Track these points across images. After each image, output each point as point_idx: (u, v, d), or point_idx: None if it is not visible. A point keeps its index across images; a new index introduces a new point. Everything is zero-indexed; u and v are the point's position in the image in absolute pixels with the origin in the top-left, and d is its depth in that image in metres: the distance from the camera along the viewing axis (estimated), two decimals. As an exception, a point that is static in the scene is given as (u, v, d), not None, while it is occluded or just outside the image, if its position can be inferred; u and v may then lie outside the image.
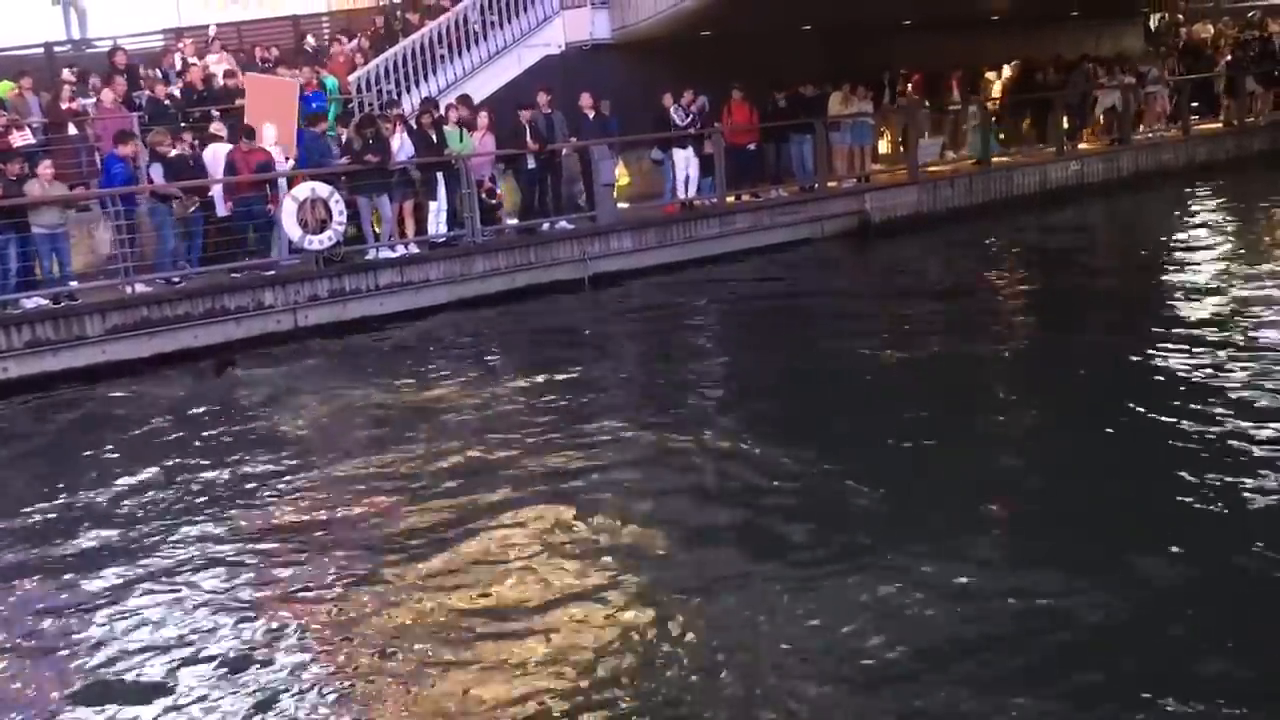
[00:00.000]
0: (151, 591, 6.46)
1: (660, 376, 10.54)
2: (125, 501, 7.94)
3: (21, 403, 10.85)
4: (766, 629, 5.50)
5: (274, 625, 5.96)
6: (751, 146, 17.00)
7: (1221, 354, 9.46)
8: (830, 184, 17.53)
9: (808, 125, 17.22)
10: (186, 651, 5.72)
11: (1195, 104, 23.20)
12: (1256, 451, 7.20)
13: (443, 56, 17.70)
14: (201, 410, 10.22)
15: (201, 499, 7.91)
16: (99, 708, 5.28)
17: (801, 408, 9.24)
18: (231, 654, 5.65)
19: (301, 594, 6.34)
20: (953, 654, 5.15)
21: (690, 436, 8.47)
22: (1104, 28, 25.84)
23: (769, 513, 6.95)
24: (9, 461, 9.27)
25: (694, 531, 6.75)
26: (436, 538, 6.92)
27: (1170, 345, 9.89)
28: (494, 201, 15.04)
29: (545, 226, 15.11)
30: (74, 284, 12.40)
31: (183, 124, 14.50)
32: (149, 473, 8.51)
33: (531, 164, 15.12)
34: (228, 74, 16.09)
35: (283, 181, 13.34)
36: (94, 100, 15.00)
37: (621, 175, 16.56)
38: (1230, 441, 7.43)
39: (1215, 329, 10.33)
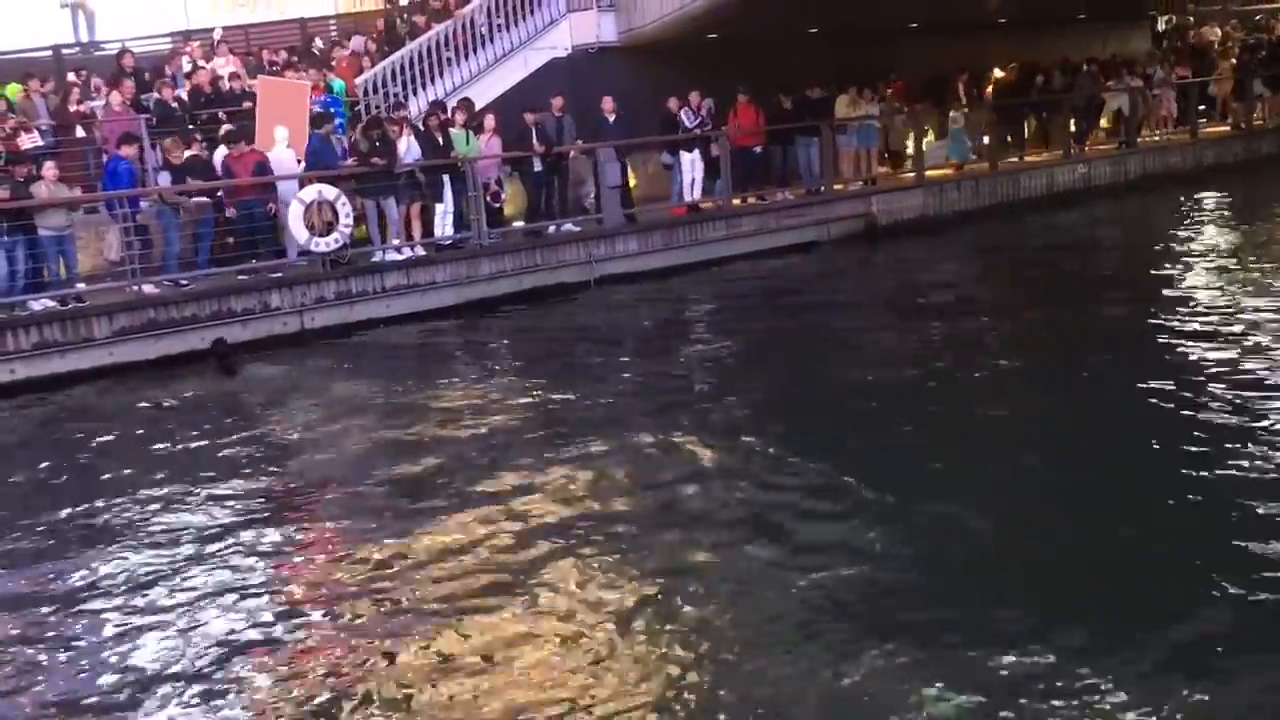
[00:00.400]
0: (152, 598, 6.45)
1: (666, 379, 10.52)
2: (125, 503, 7.93)
3: (29, 404, 10.86)
4: (768, 631, 5.48)
5: (273, 626, 5.95)
6: (758, 149, 17.00)
7: (1230, 358, 9.41)
8: (836, 186, 17.53)
9: (814, 128, 17.22)
10: (185, 652, 5.71)
11: (1203, 106, 23.16)
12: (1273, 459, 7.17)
13: (449, 59, 17.72)
14: (205, 411, 10.24)
15: (203, 500, 7.90)
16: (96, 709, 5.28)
17: (807, 411, 9.22)
18: (229, 656, 5.65)
19: (300, 595, 6.34)
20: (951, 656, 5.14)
21: (696, 438, 8.46)
22: (1111, 30, 25.78)
23: (773, 512, 6.95)
24: (19, 463, 9.28)
25: (696, 532, 6.74)
26: (438, 539, 6.91)
27: (1178, 349, 9.88)
28: (498, 205, 15.06)
29: (551, 229, 15.12)
30: (81, 286, 12.43)
31: (190, 127, 14.53)
32: (151, 476, 8.51)
33: (538, 166, 15.13)
34: (233, 76, 16.11)
35: (289, 184, 13.35)
36: (102, 103, 15.05)
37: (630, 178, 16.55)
38: (1240, 446, 7.39)
39: (1222, 333, 10.29)
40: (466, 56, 17.87)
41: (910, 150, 18.68)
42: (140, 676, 5.52)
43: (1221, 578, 5.67)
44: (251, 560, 6.85)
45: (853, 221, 17.09)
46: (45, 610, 6.34)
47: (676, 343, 12.03)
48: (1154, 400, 8.59)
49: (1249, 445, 7.37)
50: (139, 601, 6.35)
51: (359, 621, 5.94)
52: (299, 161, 13.80)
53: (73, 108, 15.08)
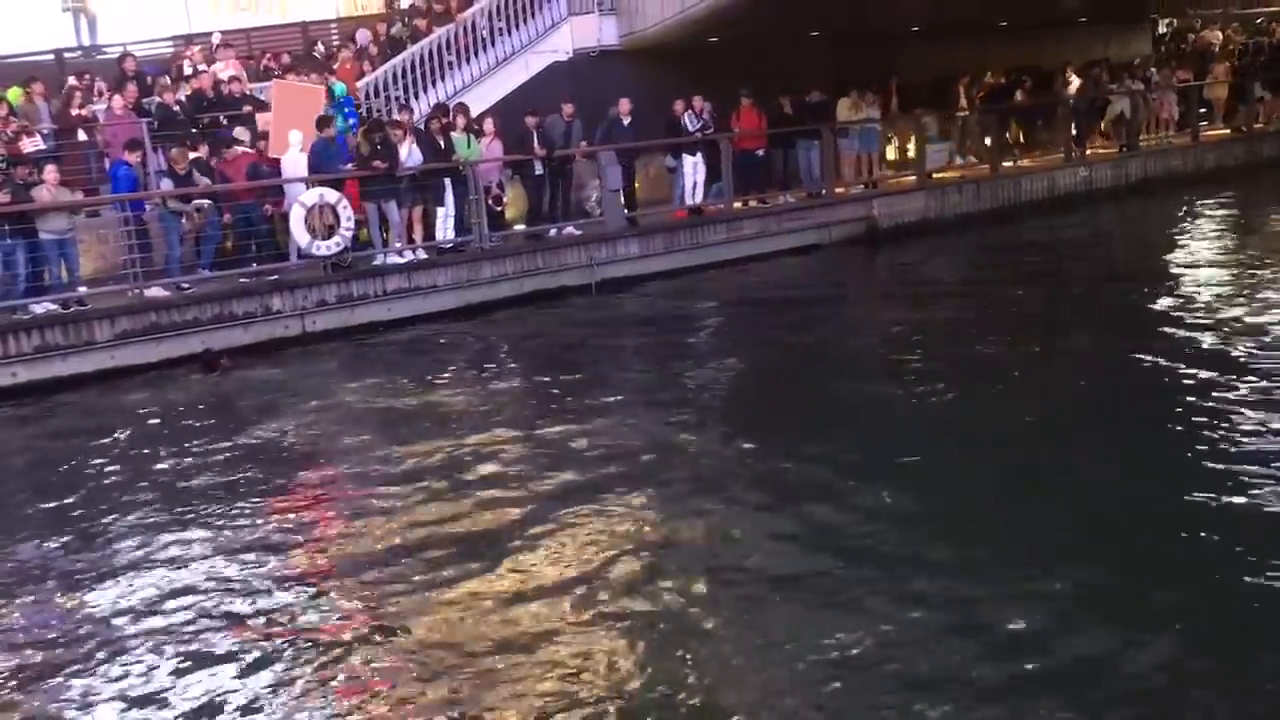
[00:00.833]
0: (150, 600, 6.44)
1: (666, 382, 10.53)
2: (123, 507, 7.94)
3: (30, 407, 10.87)
4: (768, 633, 5.48)
5: (271, 627, 5.95)
6: (760, 152, 17.00)
7: (1230, 362, 9.40)
8: (838, 190, 17.53)
9: (815, 131, 17.22)
10: (181, 653, 5.71)
11: (1203, 110, 23.16)
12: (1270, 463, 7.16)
13: (451, 63, 17.73)
14: (205, 415, 10.25)
15: (202, 501, 7.90)
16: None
17: (808, 414, 9.21)
18: (224, 659, 5.64)
19: (297, 596, 6.34)
20: (948, 660, 5.13)
21: (697, 442, 8.47)
22: (1112, 33, 25.79)
23: (772, 513, 6.95)
24: (18, 467, 9.29)
25: (695, 535, 6.74)
26: (436, 541, 6.91)
27: (1178, 352, 9.85)
28: (499, 208, 15.07)
29: (553, 232, 15.12)
30: (82, 289, 12.44)
31: (193, 130, 14.54)
32: (149, 479, 8.53)
33: (539, 170, 15.14)
34: (234, 80, 16.12)
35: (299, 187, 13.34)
36: (104, 106, 15.06)
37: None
38: (1240, 449, 7.38)
39: (1223, 336, 10.28)
40: (468, 60, 17.88)
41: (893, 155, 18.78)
42: (135, 679, 5.51)
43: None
44: (249, 564, 6.83)
45: (854, 224, 17.08)
46: (42, 612, 6.34)
47: (678, 346, 12.03)
48: (1158, 404, 8.60)
49: (1263, 456, 7.36)
50: (135, 606, 6.35)
51: (354, 623, 5.93)
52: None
53: (74, 111, 15.09)
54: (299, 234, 12.85)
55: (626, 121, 15.67)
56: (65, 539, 7.45)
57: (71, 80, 15.90)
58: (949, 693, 4.85)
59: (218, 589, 6.48)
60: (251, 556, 6.95)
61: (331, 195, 12.99)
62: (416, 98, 16.93)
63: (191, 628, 6.03)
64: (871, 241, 16.94)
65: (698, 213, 16.35)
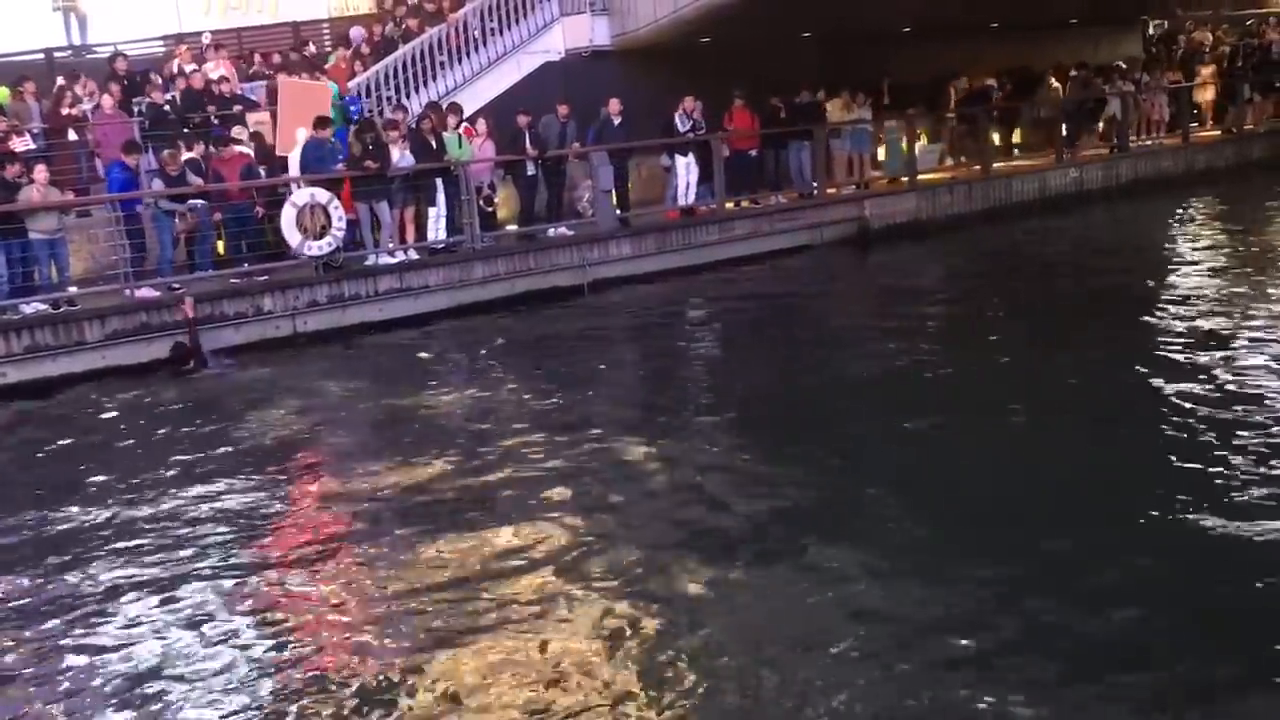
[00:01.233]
0: (137, 602, 6.43)
1: (657, 383, 10.54)
2: (112, 508, 7.90)
3: (20, 407, 10.84)
4: (757, 631, 5.48)
5: (258, 628, 5.93)
6: (753, 153, 17.02)
7: (1219, 364, 9.43)
8: (830, 190, 17.55)
9: (807, 131, 17.24)
10: (169, 654, 5.70)
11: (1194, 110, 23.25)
12: (1259, 464, 7.19)
13: (443, 63, 17.71)
14: (195, 415, 10.22)
15: (190, 503, 7.87)
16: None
17: (798, 414, 9.22)
18: (213, 662, 5.62)
19: (286, 596, 6.32)
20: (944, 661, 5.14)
21: (687, 443, 8.47)
22: (1103, 35, 25.86)
23: (763, 514, 6.94)
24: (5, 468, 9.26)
25: (686, 536, 6.73)
26: (426, 541, 6.90)
27: (1167, 353, 9.90)
28: (490, 208, 15.07)
29: (551, 232, 15.12)
30: (73, 289, 12.41)
31: (184, 130, 14.50)
32: (139, 479, 8.49)
33: (530, 170, 15.14)
34: (223, 80, 16.08)
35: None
36: (94, 106, 15.02)
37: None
38: (1225, 451, 7.41)
39: (1212, 337, 10.31)
40: (460, 60, 17.87)
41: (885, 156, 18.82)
42: (126, 679, 5.49)
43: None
44: (235, 564, 6.82)
45: (845, 225, 17.10)
46: (30, 611, 6.32)
47: (669, 347, 12.03)
48: (1143, 401, 8.65)
49: (1246, 448, 7.38)
50: (121, 605, 6.33)
51: (344, 626, 5.92)
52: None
53: (64, 111, 15.05)
54: (290, 234, 12.82)
55: (617, 121, 15.67)
56: (48, 542, 7.42)
57: (60, 80, 15.85)
58: (939, 692, 4.85)
59: (198, 588, 6.47)
60: (233, 559, 6.93)
61: (323, 195, 12.97)
62: (408, 98, 16.90)
63: (167, 625, 6.02)
64: (863, 242, 16.96)
65: (690, 213, 16.36)
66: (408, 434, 9.21)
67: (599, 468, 8.03)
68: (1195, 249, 15.28)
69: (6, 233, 11.82)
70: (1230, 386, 8.75)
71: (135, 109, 15.15)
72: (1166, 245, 15.82)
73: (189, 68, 16.49)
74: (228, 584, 6.55)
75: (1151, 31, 28.95)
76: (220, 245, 13.53)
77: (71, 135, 14.80)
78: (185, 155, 13.38)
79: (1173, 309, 11.63)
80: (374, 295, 13.33)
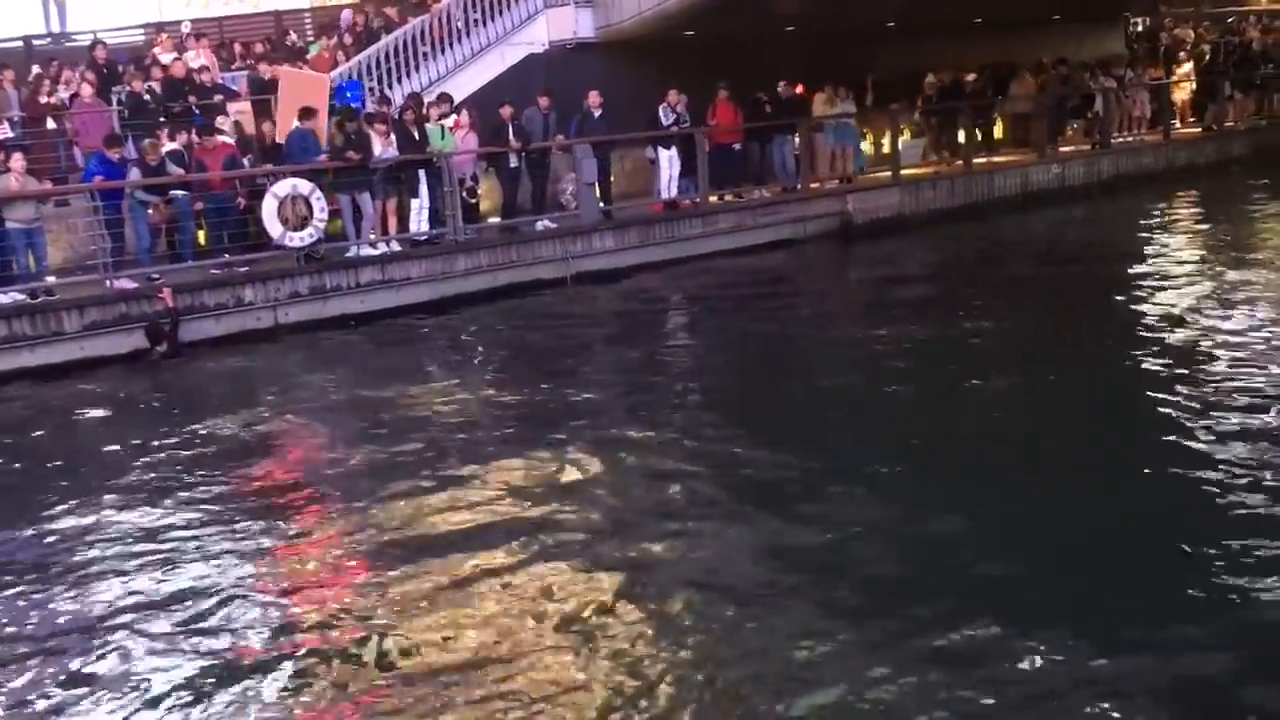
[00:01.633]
0: (101, 589, 6.39)
1: (639, 375, 10.52)
2: (87, 499, 7.83)
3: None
4: (736, 621, 5.49)
5: (241, 624, 5.90)
6: (736, 146, 17.02)
7: (1198, 358, 9.47)
8: (813, 185, 17.57)
9: (791, 126, 17.24)
10: (152, 654, 5.67)
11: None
12: (1238, 463, 7.22)
13: (425, 54, 17.64)
14: (170, 406, 10.17)
15: (166, 494, 7.81)
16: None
17: (780, 408, 9.21)
18: (194, 659, 5.59)
19: (253, 593, 6.28)
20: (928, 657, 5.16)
21: (669, 435, 8.44)
22: (1086, 32, 25.97)
23: (744, 505, 6.93)
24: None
25: (666, 531, 6.70)
26: (398, 536, 6.84)
27: (1145, 347, 9.94)
28: (473, 200, 15.03)
29: (540, 225, 15.08)
30: (51, 279, 12.31)
31: (161, 119, 14.40)
32: (115, 470, 8.44)
33: (514, 162, 15.10)
34: (204, 69, 15.99)
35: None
36: (72, 94, 14.90)
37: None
38: (1207, 447, 7.44)
39: (1190, 331, 10.36)
40: (442, 51, 17.80)
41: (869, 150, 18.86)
42: (93, 661, 5.47)
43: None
44: (211, 556, 6.74)
45: (829, 220, 17.12)
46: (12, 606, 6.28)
47: (651, 340, 12.02)
48: (1121, 392, 8.72)
49: (1225, 438, 7.43)
50: (99, 598, 6.28)
51: (324, 620, 5.89)
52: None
53: (43, 99, 14.93)
54: (271, 225, 12.75)
55: (597, 114, 15.64)
56: (22, 530, 7.37)
57: (36, 69, 15.74)
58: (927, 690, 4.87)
59: (170, 580, 6.42)
60: (208, 551, 6.86)
61: (305, 186, 12.91)
62: (390, 89, 16.84)
63: (137, 615, 5.99)
64: (846, 237, 16.98)
65: (673, 207, 16.35)
66: (386, 425, 9.16)
67: (578, 459, 8.00)
68: (1173, 245, 15.35)
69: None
70: (1205, 376, 8.80)
71: (115, 98, 15.05)
72: (1145, 241, 15.87)
73: (169, 57, 16.39)
74: (196, 572, 6.51)
75: (1133, 29, 29.09)
76: (201, 235, 13.45)
77: (50, 124, 14.69)
78: (169, 146, 13.30)
79: (1149, 304, 11.68)
80: (355, 287, 13.26)
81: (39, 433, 9.74)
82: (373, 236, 13.84)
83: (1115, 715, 4.59)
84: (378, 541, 6.82)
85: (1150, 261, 14.46)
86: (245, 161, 13.71)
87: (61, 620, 6.07)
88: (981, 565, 5.96)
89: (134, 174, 12.87)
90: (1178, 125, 23.12)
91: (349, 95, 15.57)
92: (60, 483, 8.29)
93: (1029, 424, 8.32)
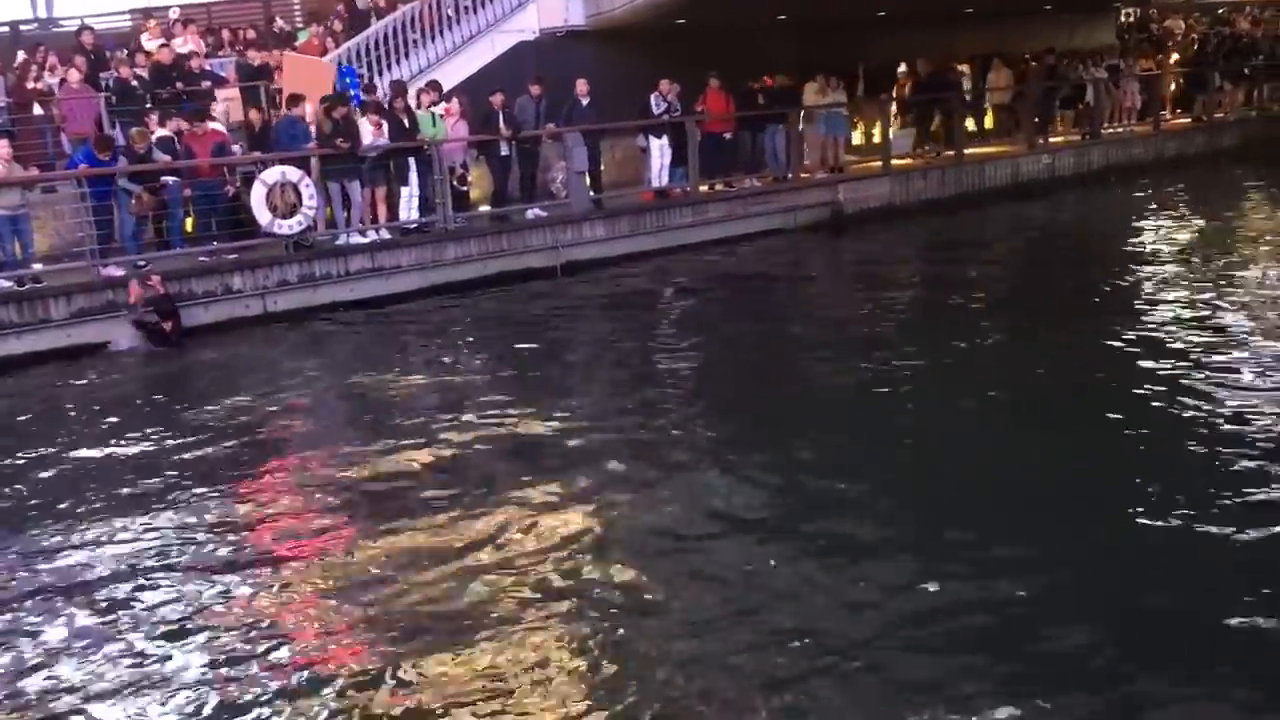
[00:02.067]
0: (87, 578, 6.37)
1: (628, 365, 10.50)
2: (77, 489, 7.80)
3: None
4: (731, 625, 5.48)
5: (231, 613, 5.88)
6: (728, 135, 16.98)
7: (1186, 347, 9.50)
8: (803, 174, 17.55)
9: (782, 115, 17.21)
10: (127, 647, 5.64)
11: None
12: (1223, 445, 7.25)
13: (415, 41, 17.54)
14: (160, 393, 10.13)
15: (155, 483, 7.78)
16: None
17: (769, 398, 9.22)
18: (177, 648, 5.56)
19: (243, 578, 6.26)
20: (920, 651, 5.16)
21: (656, 424, 8.44)
22: (1077, 22, 25.97)
23: (732, 499, 6.91)
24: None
25: (657, 521, 6.70)
26: (389, 523, 6.83)
27: (1133, 337, 9.96)
28: (464, 188, 14.98)
29: (530, 214, 15.03)
30: (37, 266, 12.23)
31: (149, 105, 14.31)
32: (104, 459, 8.41)
33: (504, 150, 15.04)
34: (192, 55, 15.89)
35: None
36: (60, 80, 14.80)
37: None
38: (1196, 434, 7.47)
39: (1179, 322, 10.39)
40: (433, 38, 17.70)
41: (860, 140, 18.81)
42: (98, 669, 5.44)
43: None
44: (200, 548, 6.74)
45: (819, 209, 17.10)
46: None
47: (641, 329, 12.00)
48: (1111, 381, 8.74)
49: (1210, 420, 7.45)
50: (89, 592, 6.26)
51: (312, 610, 5.88)
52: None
53: (30, 85, 14.82)
54: (260, 212, 12.68)
55: (585, 102, 15.59)
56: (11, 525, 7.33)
57: (21, 55, 15.62)
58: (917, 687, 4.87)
59: (158, 568, 6.41)
60: (195, 535, 6.85)
61: (294, 174, 12.85)
62: (380, 75, 16.74)
63: (126, 601, 5.97)
64: (836, 226, 16.96)
65: (663, 196, 16.31)
66: (375, 415, 9.14)
67: (567, 449, 7.99)
68: (1161, 235, 15.38)
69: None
70: (1196, 368, 8.82)
71: (102, 84, 14.94)
72: (1134, 231, 15.91)
73: (155, 43, 16.28)
74: (183, 563, 6.48)
75: (1125, 19, 29.11)
76: (189, 222, 13.37)
77: (37, 110, 14.58)
78: (160, 132, 13.22)
79: (1137, 294, 11.73)
80: (345, 275, 13.21)
81: (25, 419, 9.67)
82: (361, 224, 13.78)
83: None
84: (372, 530, 6.81)
85: (1136, 250, 14.50)
86: (237, 149, 13.62)
87: (42, 608, 6.04)
88: (979, 556, 5.98)
89: (120, 161, 12.79)
90: (1167, 116, 23.16)
91: (349, 81, 15.50)
92: (46, 472, 8.25)
93: (1015, 410, 8.35)
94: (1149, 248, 14.63)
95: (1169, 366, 8.99)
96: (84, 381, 10.78)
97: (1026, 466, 7.23)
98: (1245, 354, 9.24)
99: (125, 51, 15.87)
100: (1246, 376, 8.61)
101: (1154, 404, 8.18)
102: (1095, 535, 6.14)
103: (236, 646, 5.49)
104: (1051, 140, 20.89)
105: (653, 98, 16.08)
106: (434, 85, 15.26)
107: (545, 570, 6.10)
